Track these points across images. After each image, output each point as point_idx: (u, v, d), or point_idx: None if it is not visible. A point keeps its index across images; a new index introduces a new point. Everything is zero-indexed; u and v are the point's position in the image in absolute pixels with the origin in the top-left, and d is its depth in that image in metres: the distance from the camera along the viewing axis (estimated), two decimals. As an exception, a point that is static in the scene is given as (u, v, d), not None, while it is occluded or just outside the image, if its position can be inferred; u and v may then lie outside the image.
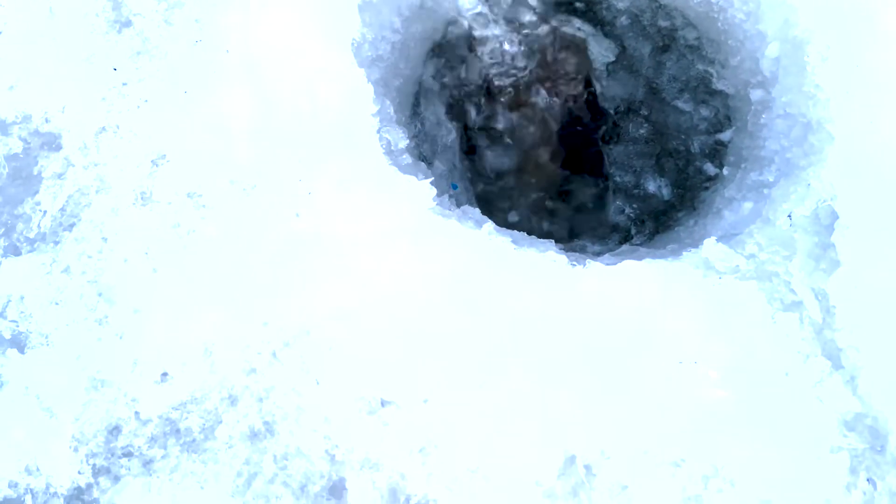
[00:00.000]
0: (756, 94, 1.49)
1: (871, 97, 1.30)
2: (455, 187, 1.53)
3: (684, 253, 1.25)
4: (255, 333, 1.18)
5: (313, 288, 1.20)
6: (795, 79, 1.41)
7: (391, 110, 1.46)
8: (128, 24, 1.40)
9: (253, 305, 1.20)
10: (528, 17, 1.59)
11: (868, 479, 1.06)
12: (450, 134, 1.52)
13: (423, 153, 1.52)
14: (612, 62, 1.61)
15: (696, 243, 1.26)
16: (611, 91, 1.60)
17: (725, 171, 1.49)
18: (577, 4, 1.63)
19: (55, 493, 1.13)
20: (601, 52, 1.61)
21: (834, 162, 1.26)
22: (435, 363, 1.14)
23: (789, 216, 1.23)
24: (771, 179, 1.37)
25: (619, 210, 1.52)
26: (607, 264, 1.21)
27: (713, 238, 1.22)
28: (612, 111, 1.56)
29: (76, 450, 1.14)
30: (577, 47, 1.48)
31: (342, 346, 1.17)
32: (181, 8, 1.40)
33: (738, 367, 1.10)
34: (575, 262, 1.24)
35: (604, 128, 1.62)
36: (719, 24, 1.58)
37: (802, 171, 1.30)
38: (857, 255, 1.17)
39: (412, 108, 1.59)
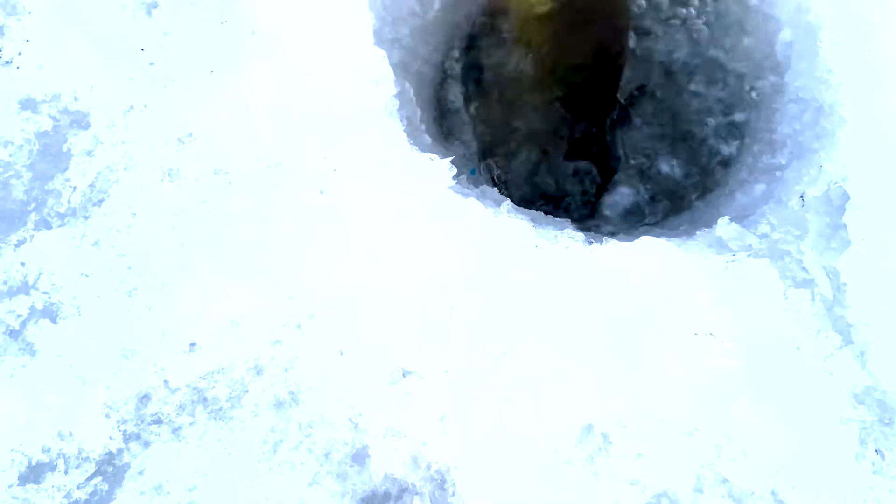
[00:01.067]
0: (769, 79, 1.52)
1: (883, 81, 1.33)
2: (473, 172, 1.56)
3: (698, 232, 1.28)
4: (281, 306, 1.22)
5: (337, 262, 1.23)
6: (808, 63, 1.44)
7: (411, 92, 1.49)
8: (155, 5, 1.43)
9: (278, 279, 1.23)
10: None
11: (876, 451, 1.09)
12: (469, 117, 1.55)
13: (444, 134, 1.56)
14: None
15: (709, 223, 1.28)
16: (626, 75, 1.62)
17: (738, 154, 1.52)
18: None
19: (87, 457, 1.17)
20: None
21: (845, 145, 1.29)
22: (455, 335, 1.18)
23: (801, 197, 1.26)
24: (783, 162, 1.39)
25: (633, 191, 1.55)
26: (622, 241, 1.24)
27: (726, 218, 1.25)
28: (624, 97, 1.58)
29: (108, 416, 1.18)
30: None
31: (365, 318, 1.20)
32: (207, -10, 1.43)
33: (751, 340, 1.13)
34: (591, 241, 1.27)
35: (615, 113, 1.64)
36: (733, 9, 1.60)
37: (814, 154, 1.33)
38: (867, 235, 1.19)
39: (433, 91, 1.62)
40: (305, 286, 1.23)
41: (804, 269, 1.19)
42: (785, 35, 1.49)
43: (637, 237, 1.28)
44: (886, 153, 1.27)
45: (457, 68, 1.64)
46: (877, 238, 1.19)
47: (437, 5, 1.58)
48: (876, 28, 1.38)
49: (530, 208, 1.45)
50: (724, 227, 1.25)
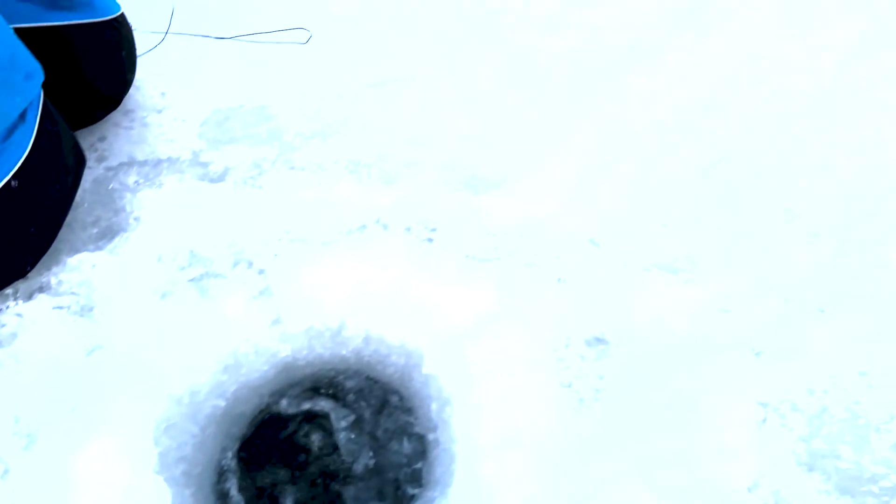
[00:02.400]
0: (432, 436, 2.34)
1: (477, 438, 2.17)
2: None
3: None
4: None
5: None
6: (446, 425, 2.28)
7: (192, 490, 2.19)
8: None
9: None
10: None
11: None
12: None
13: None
14: (348, 426, 2.44)
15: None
16: (349, 445, 2.40)
17: (420, 491, 2.27)
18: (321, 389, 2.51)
19: None
20: (339, 419, 2.45)
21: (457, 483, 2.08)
22: None
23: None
24: (437, 495, 2.15)
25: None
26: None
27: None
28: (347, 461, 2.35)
29: None
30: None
31: None
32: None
33: None
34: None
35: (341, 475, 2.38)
36: (409, 391, 2.47)
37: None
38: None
39: (213, 485, 2.32)
40: None
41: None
42: (434, 406, 2.34)
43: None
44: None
45: (231, 464, 2.38)
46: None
47: (212, 426, 2.36)
48: (473, 398, 2.26)
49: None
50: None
